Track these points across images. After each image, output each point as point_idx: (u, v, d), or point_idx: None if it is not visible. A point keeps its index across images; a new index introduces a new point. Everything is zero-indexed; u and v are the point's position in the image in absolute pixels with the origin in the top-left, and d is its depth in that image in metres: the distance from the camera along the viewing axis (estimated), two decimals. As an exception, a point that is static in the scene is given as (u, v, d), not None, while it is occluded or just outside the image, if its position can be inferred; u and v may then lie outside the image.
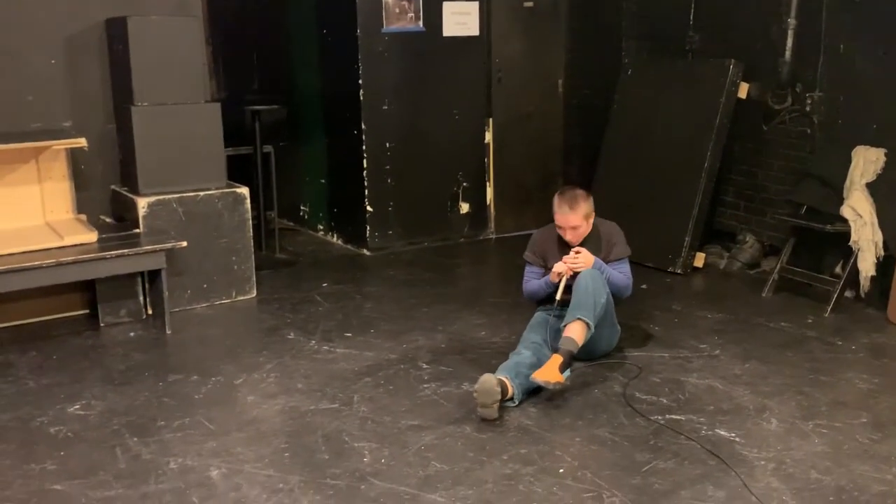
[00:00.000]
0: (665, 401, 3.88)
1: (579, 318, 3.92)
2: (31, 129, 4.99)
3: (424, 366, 4.27)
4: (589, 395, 3.94)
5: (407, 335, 4.73)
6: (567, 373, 3.88)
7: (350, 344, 4.61)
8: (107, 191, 5.35)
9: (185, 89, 5.09)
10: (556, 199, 4.24)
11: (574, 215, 4.17)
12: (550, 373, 3.79)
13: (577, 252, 4.11)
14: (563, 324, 3.99)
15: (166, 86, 5.02)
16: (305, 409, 3.81)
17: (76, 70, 5.14)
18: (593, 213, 4.29)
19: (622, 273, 4.27)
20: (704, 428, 3.60)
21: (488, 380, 3.64)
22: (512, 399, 3.77)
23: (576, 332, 3.92)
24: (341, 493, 3.12)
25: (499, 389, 3.63)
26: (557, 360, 3.84)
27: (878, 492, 3.09)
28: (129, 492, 3.14)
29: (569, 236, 4.20)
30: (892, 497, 3.05)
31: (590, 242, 4.24)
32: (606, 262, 4.22)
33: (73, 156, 5.04)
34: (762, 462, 3.32)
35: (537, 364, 3.88)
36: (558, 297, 4.08)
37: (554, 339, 4.08)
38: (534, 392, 3.86)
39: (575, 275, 4.07)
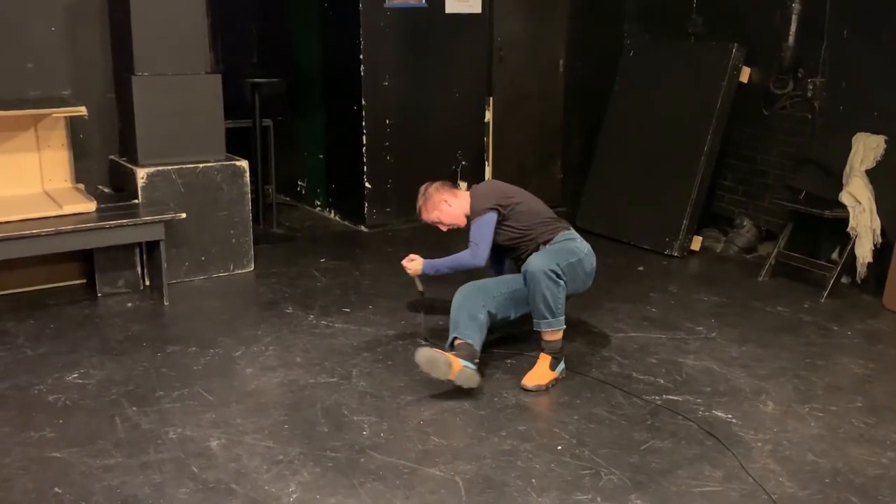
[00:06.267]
0: (662, 381, 3.90)
1: (545, 330, 3.85)
2: (31, 96, 4.96)
3: (423, 343, 4.27)
4: (586, 375, 3.96)
5: (405, 312, 4.73)
6: (561, 366, 3.89)
7: (348, 319, 4.61)
8: (105, 161, 5.33)
9: (186, 60, 5.06)
10: None
11: (426, 217, 4.28)
12: (541, 375, 3.82)
13: (410, 260, 4.21)
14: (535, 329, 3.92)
15: (167, 56, 4.99)
16: (304, 383, 3.82)
17: (76, 38, 5.11)
18: (453, 196, 4.25)
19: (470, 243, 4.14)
20: (701, 409, 3.63)
21: (423, 353, 3.63)
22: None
23: (550, 336, 3.87)
24: (341, 466, 3.13)
25: (440, 356, 3.63)
26: (546, 359, 3.85)
27: (874, 475, 3.12)
28: (129, 460, 3.15)
29: (443, 229, 4.33)
30: (887, 480, 3.08)
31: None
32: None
33: (73, 124, 5.02)
34: (759, 444, 3.34)
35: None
36: (420, 288, 4.25)
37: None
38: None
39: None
